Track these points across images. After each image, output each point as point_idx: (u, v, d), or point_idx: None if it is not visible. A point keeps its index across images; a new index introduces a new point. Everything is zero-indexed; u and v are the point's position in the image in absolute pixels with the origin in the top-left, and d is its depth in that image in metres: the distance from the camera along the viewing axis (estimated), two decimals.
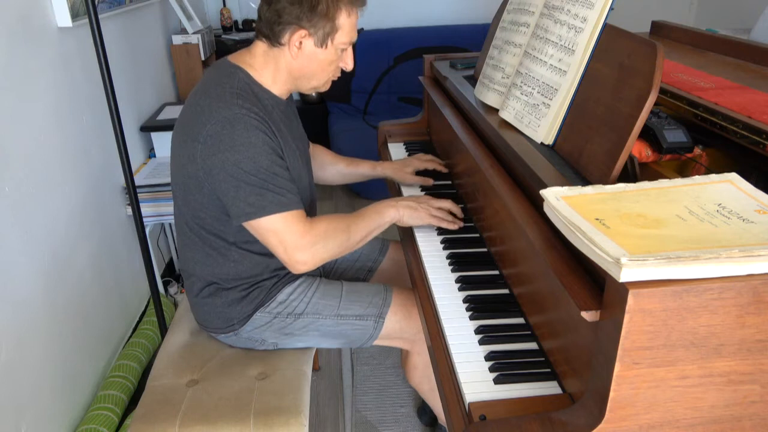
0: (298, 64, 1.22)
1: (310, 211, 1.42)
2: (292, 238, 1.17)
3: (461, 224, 1.37)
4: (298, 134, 1.37)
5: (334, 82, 1.31)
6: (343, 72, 1.30)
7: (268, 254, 1.28)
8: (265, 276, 1.30)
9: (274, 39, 1.19)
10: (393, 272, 1.61)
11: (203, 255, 1.29)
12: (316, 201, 1.48)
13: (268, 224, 1.16)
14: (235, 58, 1.24)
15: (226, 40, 3.38)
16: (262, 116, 1.16)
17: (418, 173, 1.64)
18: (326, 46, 1.20)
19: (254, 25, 1.26)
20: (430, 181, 1.62)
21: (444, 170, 1.65)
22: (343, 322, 1.33)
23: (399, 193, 1.63)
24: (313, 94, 3.73)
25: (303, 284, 1.34)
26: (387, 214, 1.31)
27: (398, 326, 1.34)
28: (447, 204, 1.37)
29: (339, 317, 1.32)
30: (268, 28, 1.19)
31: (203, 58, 2.90)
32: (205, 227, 1.25)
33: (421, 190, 1.61)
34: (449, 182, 1.64)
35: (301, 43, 1.18)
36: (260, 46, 1.23)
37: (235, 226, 1.21)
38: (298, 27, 1.16)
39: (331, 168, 1.65)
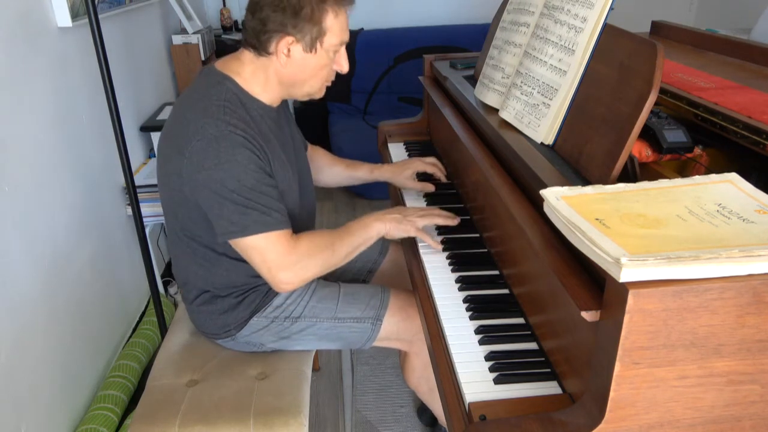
0: (289, 71, 1.18)
1: (308, 219, 1.40)
2: (276, 258, 1.15)
3: (439, 247, 1.31)
4: (290, 141, 1.34)
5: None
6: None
7: None
8: (260, 281, 1.29)
9: (261, 48, 1.16)
10: (393, 273, 1.61)
11: (195, 265, 1.28)
12: (315, 206, 1.46)
13: (252, 243, 1.14)
14: (223, 66, 1.21)
15: (226, 40, 3.38)
16: (249, 131, 1.13)
17: (420, 176, 1.61)
18: (315, 51, 1.16)
19: (242, 34, 1.23)
20: (431, 187, 1.55)
21: (443, 179, 1.60)
22: (341, 325, 1.32)
23: (400, 196, 1.61)
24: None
25: (299, 287, 1.32)
26: (373, 228, 1.27)
27: (396, 328, 1.34)
28: (434, 219, 1.33)
29: (336, 320, 1.32)
30: (254, 37, 1.15)
31: (203, 58, 2.90)
32: (195, 239, 1.24)
33: (423, 197, 1.57)
34: (453, 190, 1.58)
35: (289, 50, 1.15)
36: (248, 55, 1.19)
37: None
38: (284, 34, 1.13)
39: (328, 171, 1.63)
